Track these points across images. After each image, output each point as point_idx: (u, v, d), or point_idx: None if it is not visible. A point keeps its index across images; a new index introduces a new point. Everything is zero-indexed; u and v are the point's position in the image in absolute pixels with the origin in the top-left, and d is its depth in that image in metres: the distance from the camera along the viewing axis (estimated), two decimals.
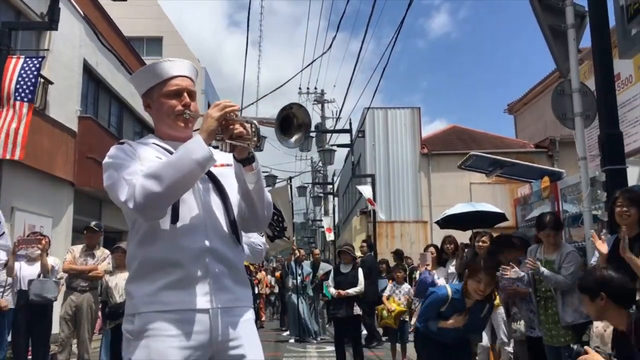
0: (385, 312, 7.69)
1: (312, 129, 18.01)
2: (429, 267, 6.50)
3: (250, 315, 1.91)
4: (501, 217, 8.30)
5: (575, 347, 4.02)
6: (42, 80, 9.26)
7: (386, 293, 7.97)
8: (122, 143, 1.88)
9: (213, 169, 1.90)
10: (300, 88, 28.59)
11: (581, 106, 4.68)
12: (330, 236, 23.41)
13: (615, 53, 4.70)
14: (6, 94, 7.35)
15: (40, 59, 7.80)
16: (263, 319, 14.88)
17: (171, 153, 1.85)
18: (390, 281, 8.48)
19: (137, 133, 14.96)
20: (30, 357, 6.20)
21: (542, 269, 4.23)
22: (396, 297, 7.79)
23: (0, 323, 5.96)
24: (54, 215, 9.79)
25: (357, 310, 7.22)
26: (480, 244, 5.96)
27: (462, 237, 8.13)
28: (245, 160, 1.83)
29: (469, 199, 14.37)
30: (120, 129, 13.72)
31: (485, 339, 5.67)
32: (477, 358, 5.90)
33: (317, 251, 13.27)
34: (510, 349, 5.70)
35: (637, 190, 3.83)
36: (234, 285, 1.86)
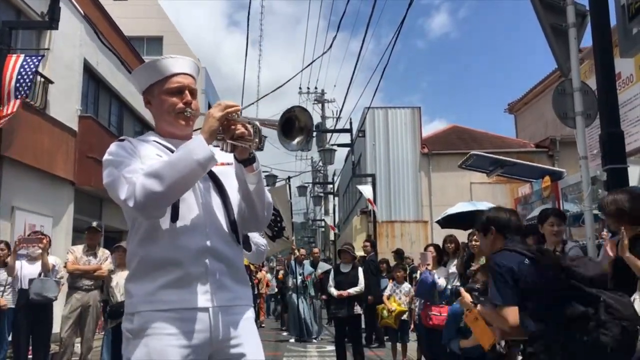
0: (385, 312, 7.69)
1: (313, 128, 18.00)
2: (429, 267, 6.49)
3: (250, 314, 1.91)
4: None
5: (453, 287, 4.17)
6: (42, 79, 9.27)
7: (386, 292, 7.98)
8: (123, 140, 1.87)
9: (214, 168, 1.89)
10: (300, 88, 28.55)
11: (582, 105, 4.67)
12: (332, 235, 23.48)
13: (616, 52, 4.69)
14: (6, 93, 7.35)
15: (39, 57, 7.80)
16: (263, 318, 14.88)
17: (172, 151, 1.85)
18: (391, 281, 8.48)
19: (138, 132, 14.95)
20: (30, 356, 6.20)
21: None
22: (397, 297, 7.79)
23: (0, 322, 5.97)
24: (55, 214, 9.79)
25: (358, 309, 7.23)
26: (473, 242, 5.95)
27: (463, 236, 8.13)
28: (246, 161, 1.82)
29: (469, 198, 14.36)
30: (120, 128, 13.72)
31: None
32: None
33: (316, 250, 13.27)
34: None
35: (638, 190, 3.82)
36: (233, 284, 1.86)
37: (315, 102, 26.67)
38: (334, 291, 7.32)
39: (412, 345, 7.83)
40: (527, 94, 18.71)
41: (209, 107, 1.83)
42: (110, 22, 12.80)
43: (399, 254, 10.61)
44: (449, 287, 5.59)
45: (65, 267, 6.52)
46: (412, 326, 7.83)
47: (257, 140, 1.77)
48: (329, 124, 24.56)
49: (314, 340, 10.49)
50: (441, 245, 7.19)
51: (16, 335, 6.12)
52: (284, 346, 9.93)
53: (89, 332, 6.44)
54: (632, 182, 4.73)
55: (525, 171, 8.77)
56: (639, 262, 3.25)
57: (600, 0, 4.45)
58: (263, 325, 14.17)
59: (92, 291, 6.41)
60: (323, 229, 32.02)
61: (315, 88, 30.89)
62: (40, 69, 8.64)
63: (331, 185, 25.42)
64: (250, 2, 39.12)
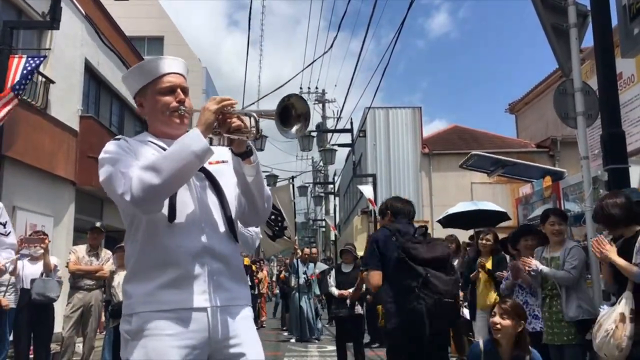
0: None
1: (313, 128, 18.03)
2: None
3: (248, 313, 1.90)
4: (503, 215, 8.30)
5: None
6: (43, 79, 9.28)
7: None
8: (119, 139, 1.87)
9: (209, 167, 1.90)
10: (301, 88, 28.54)
11: (583, 105, 4.67)
12: (333, 235, 23.47)
13: (617, 52, 4.69)
14: (7, 94, 7.35)
15: (42, 58, 7.81)
16: (264, 318, 14.88)
17: None
18: None
19: (139, 132, 14.76)
20: (32, 356, 6.20)
21: (541, 267, 4.24)
22: None
23: (1, 322, 5.97)
24: (56, 214, 9.80)
25: (359, 309, 7.22)
26: (484, 242, 5.95)
27: (464, 236, 8.14)
28: (243, 154, 1.83)
29: (470, 198, 14.36)
30: (121, 128, 13.73)
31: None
32: None
33: (314, 250, 13.23)
34: None
35: (636, 194, 3.83)
36: (231, 283, 1.85)
37: (316, 102, 26.67)
38: (335, 291, 7.32)
39: None
40: (528, 94, 18.71)
41: None
42: (112, 22, 12.80)
43: None
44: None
45: (67, 266, 6.53)
46: None
47: (254, 130, 1.77)
48: (330, 124, 24.57)
49: (316, 340, 10.49)
50: None
51: (17, 335, 6.12)
52: (285, 346, 9.93)
53: (91, 332, 6.47)
54: (633, 182, 4.73)
55: (526, 171, 8.76)
56: (624, 264, 3.30)
57: (602, 1, 4.46)
58: (264, 325, 14.17)
59: (94, 291, 6.43)
60: (324, 229, 32.00)
61: (316, 88, 30.91)
62: (41, 69, 8.64)
63: (332, 185, 25.41)
64: (251, 2, 39.36)
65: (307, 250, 11.77)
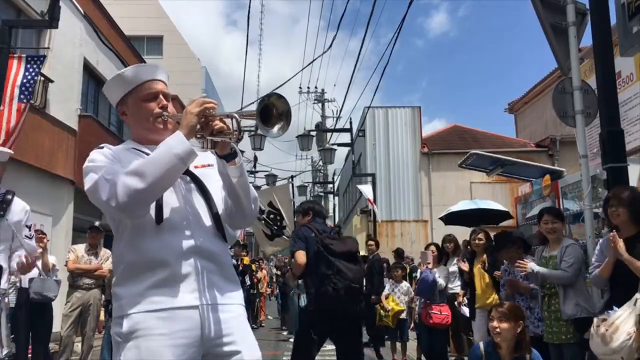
0: (382, 312, 7.68)
1: (313, 127, 18.01)
2: (429, 266, 6.50)
3: (241, 311, 1.90)
4: (506, 215, 8.31)
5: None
6: (42, 78, 9.27)
7: (385, 292, 7.96)
8: (102, 147, 1.88)
9: (195, 170, 1.91)
10: (300, 87, 28.63)
11: (582, 104, 4.67)
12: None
13: (616, 51, 4.69)
14: (9, 95, 7.34)
15: (42, 58, 7.80)
16: (263, 318, 14.87)
17: None
18: (389, 280, 8.47)
19: None
20: (30, 355, 6.20)
21: (537, 268, 4.24)
22: (395, 296, 7.78)
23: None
24: (54, 213, 9.79)
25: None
26: (476, 241, 5.96)
27: (465, 234, 8.13)
28: (228, 156, 1.83)
29: (469, 197, 14.35)
30: (120, 127, 13.72)
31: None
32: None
33: None
34: None
35: (635, 191, 3.82)
36: (222, 282, 1.86)
37: (315, 101, 26.70)
38: None
39: (412, 345, 7.84)
40: (527, 93, 18.72)
41: None
42: (111, 22, 12.79)
43: (398, 253, 10.58)
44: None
45: (66, 265, 6.53)
46: (411, 325, 7.83)
47: (237, 132, 1.78)
48: (329, 123, 24.58)
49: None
50: (440, 245, 7.19)
51: (16, 334, 6.11)
52: (284, 345, 9.92)
53: (89, 331, 6.46)
54: (632, 181, 4.73)
55: (525, 170, 8.77)
56: (638, 263, 3.26)
57: None
58: (263, 325, 14.17)
59: (92, 290, 6.43)
60: None
61: (315, 87, 31.00)
62: None
63: (331, 185, 25.43)
64: (250, 2, 39.37)
65: None
